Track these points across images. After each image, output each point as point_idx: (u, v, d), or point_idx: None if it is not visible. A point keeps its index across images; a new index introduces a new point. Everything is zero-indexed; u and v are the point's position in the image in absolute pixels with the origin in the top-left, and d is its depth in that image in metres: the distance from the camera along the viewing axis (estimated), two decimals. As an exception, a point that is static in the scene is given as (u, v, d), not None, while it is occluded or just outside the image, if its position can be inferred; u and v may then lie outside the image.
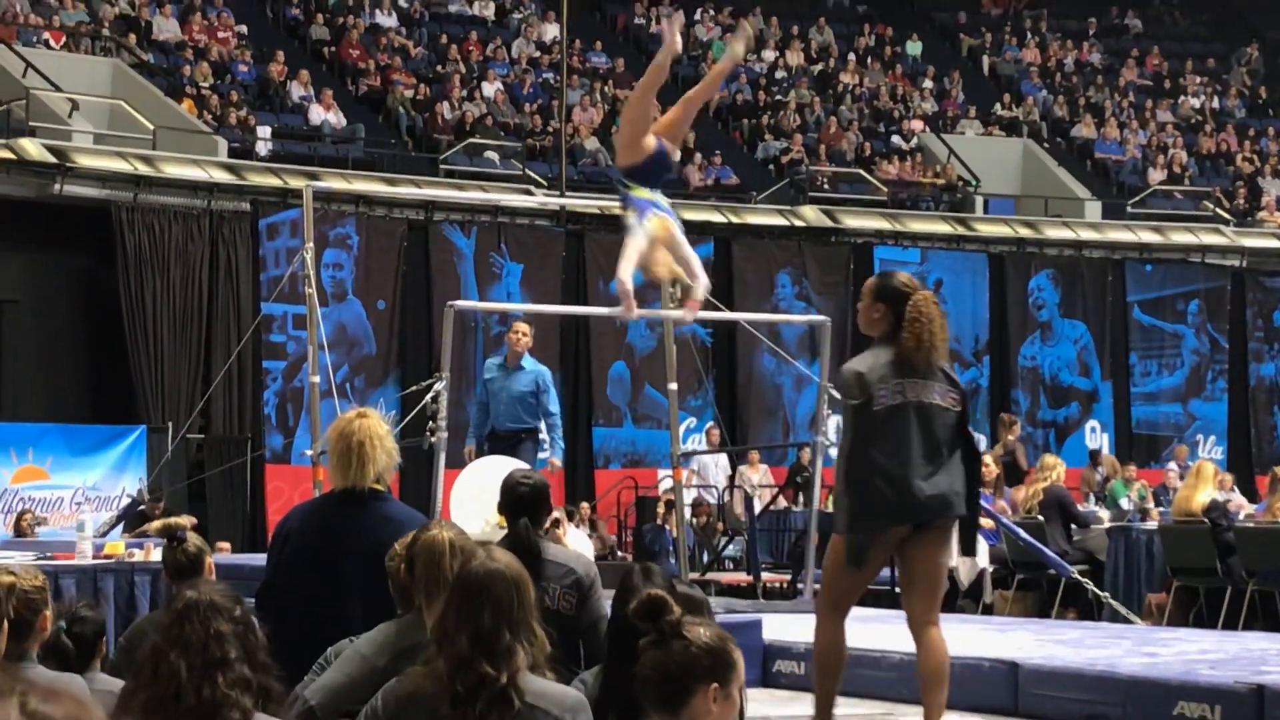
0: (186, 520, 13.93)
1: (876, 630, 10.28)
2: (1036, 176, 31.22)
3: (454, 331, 12.67)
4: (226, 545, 19.86)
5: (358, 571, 6.16)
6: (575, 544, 11.13)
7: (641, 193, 10.20)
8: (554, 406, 13.58)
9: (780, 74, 32.53)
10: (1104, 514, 17.38)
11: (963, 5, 36.74)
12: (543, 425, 13.47)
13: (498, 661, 4.35)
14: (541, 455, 13.65)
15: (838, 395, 7.48)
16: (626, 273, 10.04)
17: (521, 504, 6.98)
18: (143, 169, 22.94)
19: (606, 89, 29.92)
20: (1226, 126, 34.39)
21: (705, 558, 18.83)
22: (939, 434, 7.18)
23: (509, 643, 4.39)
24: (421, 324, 23.10)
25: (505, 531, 7.02)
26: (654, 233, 10.02)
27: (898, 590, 15.97)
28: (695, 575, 15.57)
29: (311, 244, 13.17)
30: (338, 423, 6.46)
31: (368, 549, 6.12)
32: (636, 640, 4.36)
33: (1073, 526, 15.70)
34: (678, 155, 10.69)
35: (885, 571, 17.20)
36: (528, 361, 13.61)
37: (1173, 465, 24.24)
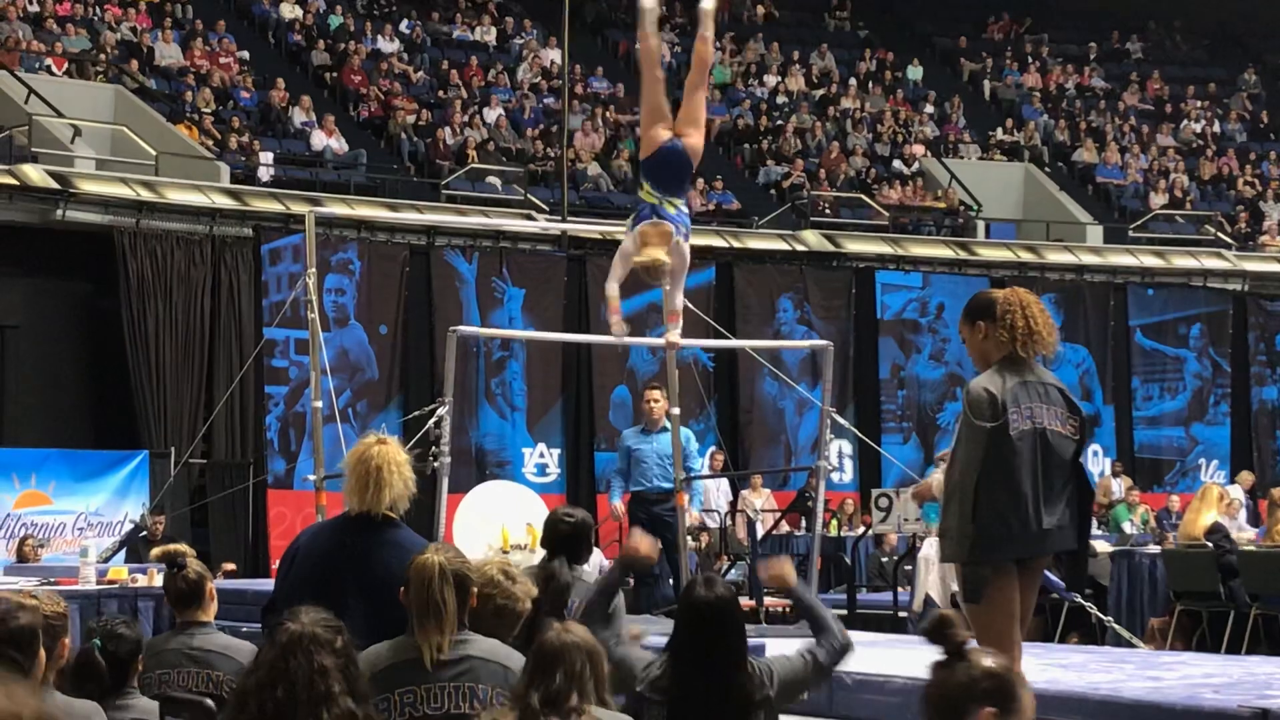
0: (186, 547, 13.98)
1: (881, 654, 10.26)
2: (1038, 201, 31.24)
3: (456, 356, 12.68)
4: (232, 565, 19.88)
5: (362, 595, 6.18)
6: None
7: (648, 196, 10.14)
8: (694, 463, 13.89)
9: (781, 99, 32.58)
10: (1101, 546, 17.26)
11: (964, 30, 36.81)
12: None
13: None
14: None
15: (972, 415, 6.90)
16: (612, 285, 10.15)
17: (561, 540, 7.24)
18: (145, 194, 22.97)
19: (608, 114, 29.97)
20: (1227, 151, 34.42)
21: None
22: (1057, 463, 6.92)
23: (577, 704, 4.89)
24: (423, 349, 23.09)
25: (507, 553, 7.16)
26: (640, 239, 10.06)
27: (901, 614, 15.96)
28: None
29: (314, 269, 13.17)
30: (357, 447, 6.50)
31: (374, 574, 6.14)
32: (698, 636, 5.57)
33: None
34: (699, 143, 10.44)
35: (887, 595, 17.21)
36: (670, 423, 13.85)
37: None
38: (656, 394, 14.17)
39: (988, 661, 4.12)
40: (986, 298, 7.16)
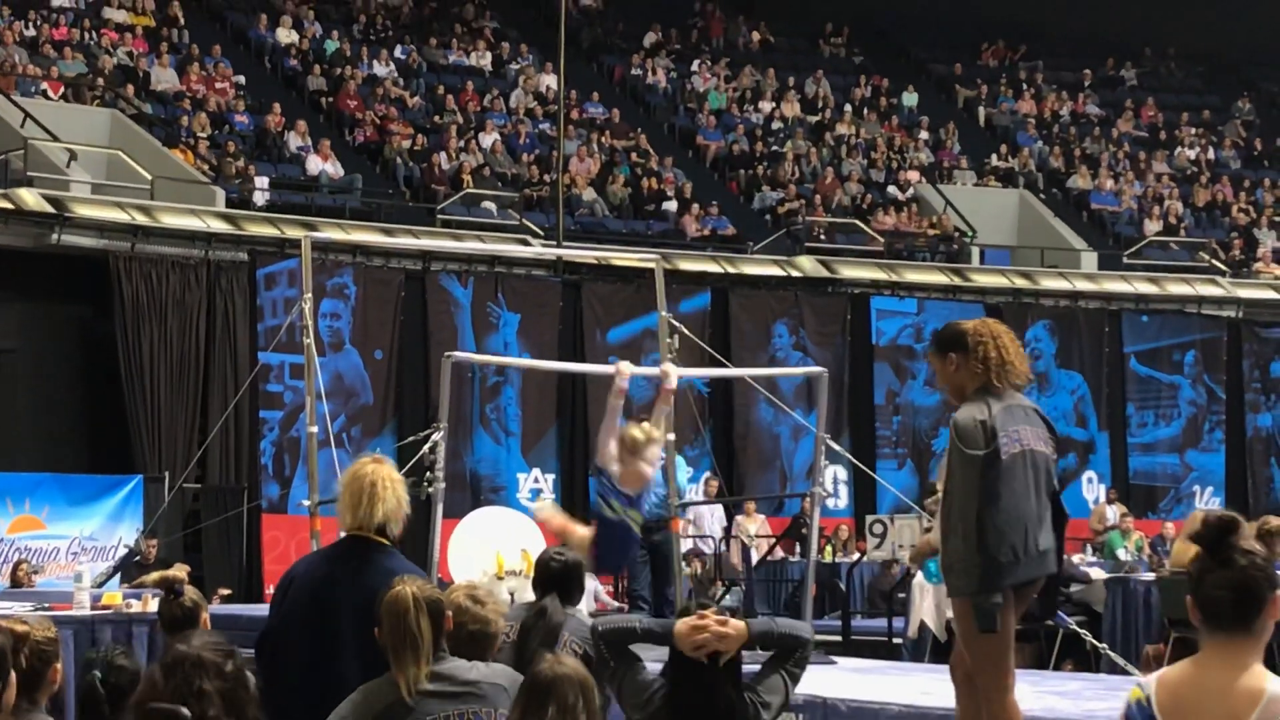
0: (183, 571, 13.93)
1: (876, 681, 10.24)
2: (1032, 227, 31.27)
3: (451, 382, 12.67)
4: (227, 590, 19.85)
5: (356, 622, 6.16)
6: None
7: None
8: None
9: (777, 125, 32.62)
10: (1095, 573, 17.24)
11: (959, 56, 36.86)
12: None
13: None
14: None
15: (962, 441, 6.86)
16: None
17: (551, 579, 7.25)
18: (140, 219, 22.96)
19: (603, 139, 29.99)
20: (1222, 178, 34.48)
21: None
22: (1043, 483, 6.91)
23: None
24: (418, 374, 23.09)
25: (501, 579, 7.18)
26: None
27: (896, 640, 15.95)
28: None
29: (310, 294, 13.16)
30: (352, 466, 6.53)
31: (367, 601, 6.12)
32: (691, 668, 5.57)
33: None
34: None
35: (881, 621, 17.20)
36: (664, 451, 13.92)
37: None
38: (645, 424, 14.19)
39: (1258, 546, 4.28)
40: (956, 329, 7.10)
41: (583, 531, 10.69)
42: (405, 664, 5.40)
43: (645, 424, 11.13)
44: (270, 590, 21.21)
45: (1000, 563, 6.76)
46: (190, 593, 7.06)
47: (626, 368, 11.00)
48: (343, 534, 6.56)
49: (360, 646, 6.01)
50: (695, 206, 28.62)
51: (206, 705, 4.25)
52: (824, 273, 27.43)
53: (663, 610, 13.09)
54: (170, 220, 23.26)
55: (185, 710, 4.20)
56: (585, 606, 10.89)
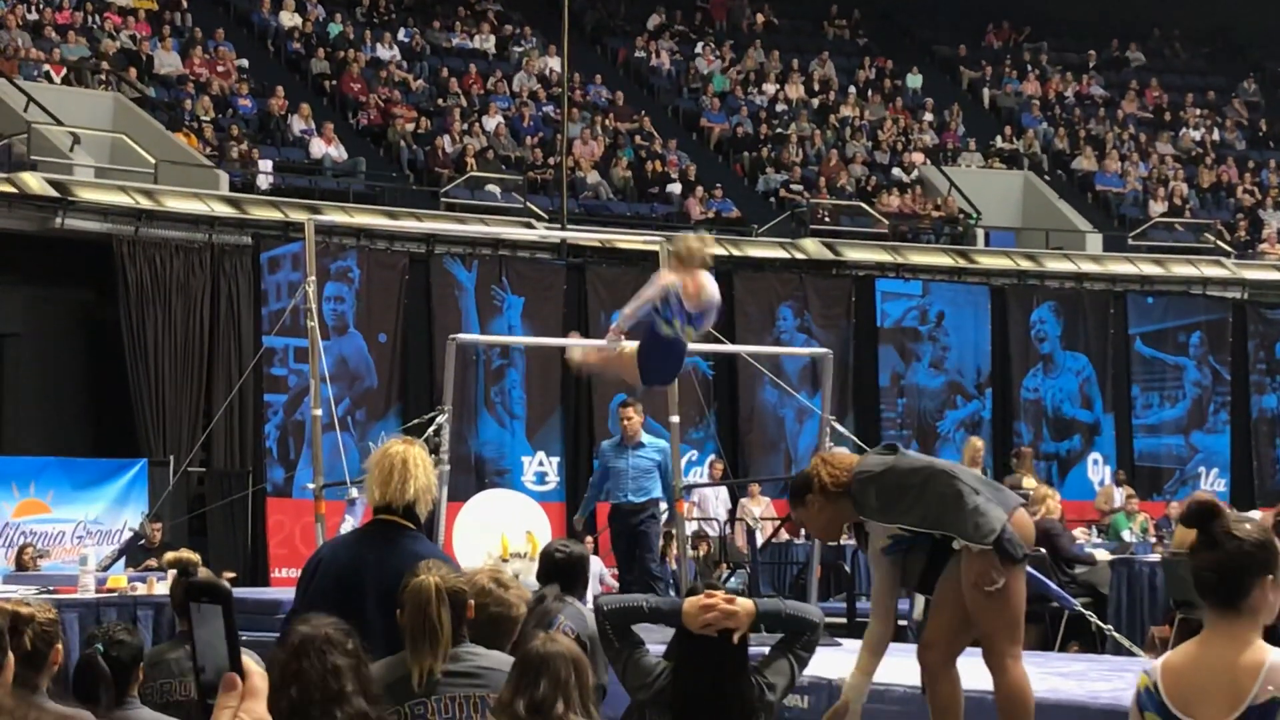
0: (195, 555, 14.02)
1: (882, 663, 10.21)
2: (1037, 209, 31.23)
3: (455, 365, 12.69)
4: (233, 575, 19.87)
5: (381, 606, 6.16)
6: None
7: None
8: (669, 479, 14.09)
9: (781, 107, 32.57)
10: (1100, 554, 17.22)
11: (963, 38, 36.80)
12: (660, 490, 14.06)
13: None
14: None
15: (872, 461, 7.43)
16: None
17: (555, 569, 7.31)
18: (144, 203, 22.95)
19: (607, 122, 29.95)
20: (1227, 159, 34.42)
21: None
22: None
23: (563, 713, 4.92)
24: (423, 357, 23.09)
25: (506, 561, 7.21)
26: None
27: (902, 622, 15.92)
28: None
29: (314, 277, 13.16)
30: (381, 446, 6.54)
31: (393, 585, 6.12)
32: (695, 648, 5.56)
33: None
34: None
35: (904, 604, 17.18)
36: (646, 438, 14.02)
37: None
38: (631, 411, 14.29)
39: (1253, 533, 4.33)
40: (796, 479, 7.60)
41: (629, 346, 10.99)
42: (422, 654, 5.43)
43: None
44: (275, 574, 21.26)
45: (986, 496, 7.09)
46: (204, 574, 7.05)
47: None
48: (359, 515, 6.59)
49: (386, 630, 6.02)
50: (699, 189, 28.59)
51: (344, 681, 4.28)
52: (828, 255, 27.40)
53: (655, 584, 13.22)
54: (174, 204, 23.24)
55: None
56: (591, 590, 10.92)
